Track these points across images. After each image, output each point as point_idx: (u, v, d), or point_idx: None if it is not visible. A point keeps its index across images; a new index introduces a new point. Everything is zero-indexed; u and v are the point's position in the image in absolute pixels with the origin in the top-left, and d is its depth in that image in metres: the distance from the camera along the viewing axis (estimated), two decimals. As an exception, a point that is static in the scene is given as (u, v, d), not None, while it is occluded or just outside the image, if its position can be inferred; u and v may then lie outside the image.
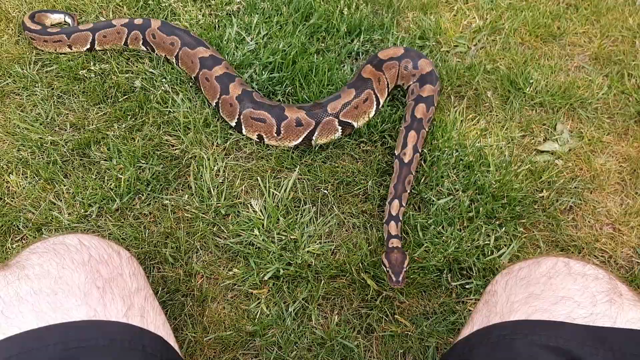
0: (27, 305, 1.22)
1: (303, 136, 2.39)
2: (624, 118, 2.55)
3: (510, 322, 1.30)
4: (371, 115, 2.49)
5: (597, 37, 2.88)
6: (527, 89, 2.59)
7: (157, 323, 1.50)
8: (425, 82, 2.50)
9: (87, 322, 1.25)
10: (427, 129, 2.40)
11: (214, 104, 2.52)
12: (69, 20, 2.95)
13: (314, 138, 2.39)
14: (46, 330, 1.17)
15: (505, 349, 1.25)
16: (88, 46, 2.78)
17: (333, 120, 2.38)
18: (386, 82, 2.54)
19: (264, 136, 2.41)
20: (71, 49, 2.80)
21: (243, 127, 2.43)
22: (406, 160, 2.25)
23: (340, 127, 2.41)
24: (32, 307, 1.20)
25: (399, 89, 2.64)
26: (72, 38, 2.76)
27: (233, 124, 2.45)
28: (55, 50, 2.80)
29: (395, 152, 2.33)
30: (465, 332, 1.44)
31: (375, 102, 2.49)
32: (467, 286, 2.02)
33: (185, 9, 2.89)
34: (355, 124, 2.44)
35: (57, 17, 2.97)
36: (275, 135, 2.39)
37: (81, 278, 1.35)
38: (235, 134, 2.46)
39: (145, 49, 2.76)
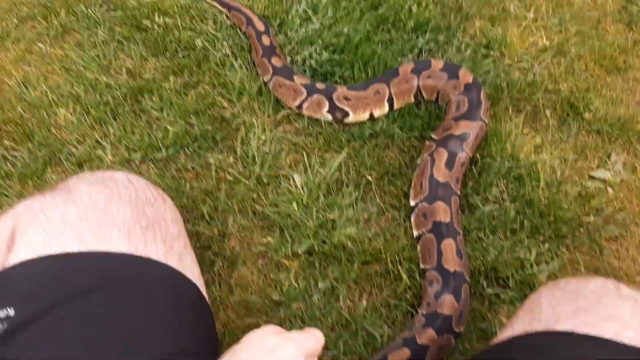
0: (71, 229, 1.20)
1: None
2: (680, 160, 2.49)
3: (556, 331, 1.26)
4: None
5: (663, 77, 2.82)
6: (586, 114, 2.53)
7: (193, 270, 1.49)
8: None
9: (127, 255, 1.24)
10: None
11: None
12: None
13: None
14: (86, 256, 1.16)
15: (549, 357, 1.20)
16: None
17: None
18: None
19: None
20: None
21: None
22: None
23: None
24: (75, 232, 1.19)
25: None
26: None
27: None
28: None
29: None
30: (504, 335, 1.40)
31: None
32: (501, 296, 1.97)
33: (256, -21, 2.88)
34: None
35: None
36: None
37: (127, 215, 1.34)
38: (287, 108, 2.43)
39: None
